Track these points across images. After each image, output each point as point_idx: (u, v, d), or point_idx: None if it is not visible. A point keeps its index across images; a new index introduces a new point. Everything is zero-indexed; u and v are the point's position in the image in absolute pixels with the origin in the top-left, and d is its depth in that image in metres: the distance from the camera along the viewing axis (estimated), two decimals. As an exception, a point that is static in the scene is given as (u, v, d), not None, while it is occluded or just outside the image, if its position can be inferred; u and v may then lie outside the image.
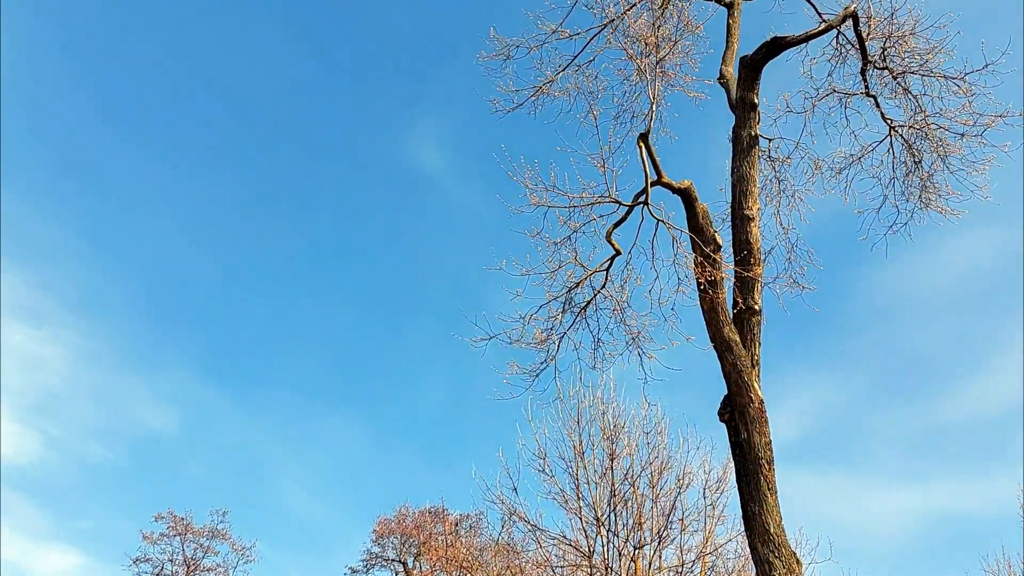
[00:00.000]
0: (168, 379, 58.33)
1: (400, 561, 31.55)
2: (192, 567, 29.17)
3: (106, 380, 56.29)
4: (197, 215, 60.70)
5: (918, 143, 12.11)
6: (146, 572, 28.95)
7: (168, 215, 59.75)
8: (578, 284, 10.84)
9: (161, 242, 59.45)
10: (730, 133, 11.09)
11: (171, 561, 29.09)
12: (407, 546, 31.57)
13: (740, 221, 10.43)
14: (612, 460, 16.47)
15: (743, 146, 10.79)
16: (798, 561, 8.84)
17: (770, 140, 12.41)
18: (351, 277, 63.17)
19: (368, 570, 31.76)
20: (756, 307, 10.06)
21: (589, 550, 16.15)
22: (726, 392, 9.73)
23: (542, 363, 11.09)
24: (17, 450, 53.89)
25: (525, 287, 10.64)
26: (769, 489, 9.09)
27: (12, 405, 53.99)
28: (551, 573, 17.34)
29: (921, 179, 12.14)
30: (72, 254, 57.88)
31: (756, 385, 9.54)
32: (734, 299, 10.07)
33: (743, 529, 9.55)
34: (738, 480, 9.40)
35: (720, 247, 10.08)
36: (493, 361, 11.53)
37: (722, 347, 9.67)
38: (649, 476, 16.47)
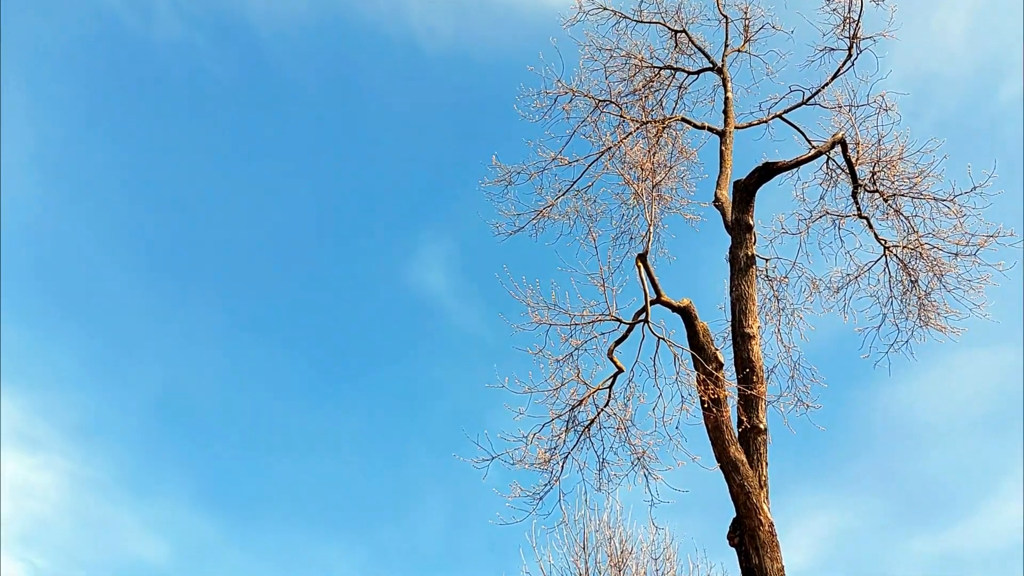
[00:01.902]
0: (160, 507, 56.57)
1: None
2: None
3: (97, 508, 54.62)
4: (196, 341, 60.83)
5: (913, 262, 12.30)
6: None
7: (167, 342, 59.95)
8: (581, 402, 10.77)
9: (160, 369, 59.27)
10: (727, 253, 11.30)
11: None
12: None
13: (741, 339, 10.47)
14: (620, 588, 15.80)
15: (740, 266, 10.97)
16: None
17: (767, 260, 12.66)
18: (349, 400, 62.45)
19: None
20: (761, 426, 9.95)
21: None
22: (735, 515, 9.49)
23: (546, 485, 10.86)
24: (3, 581, 51.75)
25: (528, 405, 10.57)
26: (784, 618, 8.71)
27: (3, 536, 52.30)
28: None
29: (919, 297, 12.26)
30: (71, 379, 57.50)
31: (765, 507, 9.31)
32: (739, 418, 9.98)
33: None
34: (751, 609, 9.01)
35: (722, 365, 10.08)
36: (495, 483, 11.29)
37: (728, 467, 9.49)
38: (659, 606, 15.74)
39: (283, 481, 57.60)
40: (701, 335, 10.30)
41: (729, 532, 9.54)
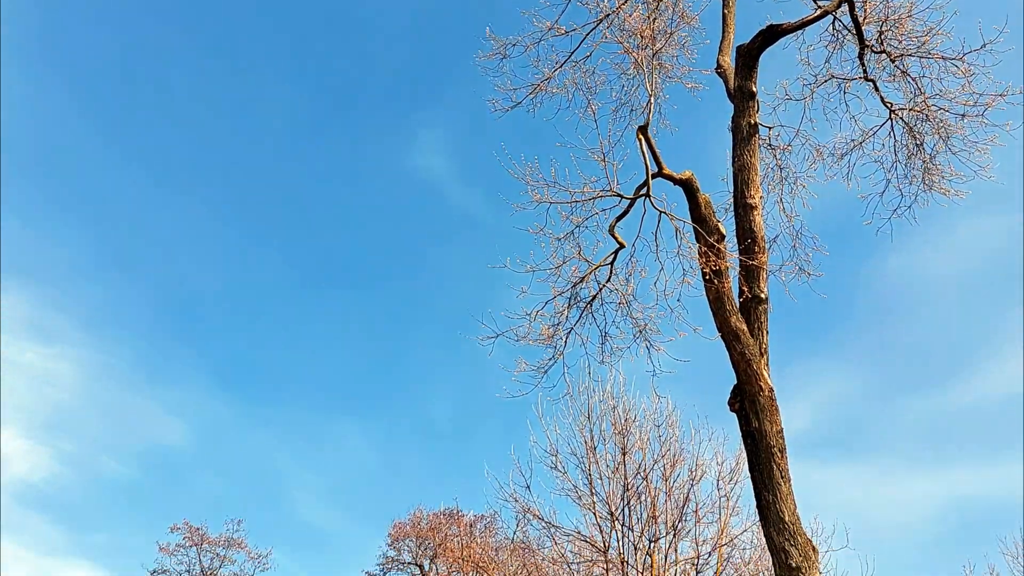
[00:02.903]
0: (178, 393, 58.49)
1: (416, 564, 31.59)
2: (209, 577, 29.31)
3: (116, 395, 56.49)
4: (202, 230, 60.83)
5: (919, 125, 12.07)
6: (164, 584, 29.10)
7: (173, 231, 59.96)
8: (583, 279, 10.84)
9: (166, 257, 59.64)
10: (729, 123, 11.08)
11: (188, 571, 29.25)
12: (423, 549, 31.60)
13: (743, 210, 10.42)
14: (624, 455, 16.46)
15: (743, 135, 10.78)
16: (814, 548, 8.82)
17: (770, 128, 12.39)
18: (358, 286, 63.25)
19: (385, 574, 31.82)
20: (762, 295, 10.04)
21: (604, 545, 16.14)
22: (736, 382, 9.72)
23: (550, 359, 11.10)
24: (30, 467, 54.13)
25: (530, 284, 10.66)
26: (783, 478, 9.08)
27: (24, 423, 54.26)
28: (567, 570, 17.34)
29: (923, 161, 12.10)
30: (79, 272, 58.12)
31: (765, 373, 9.53)
32: (740, 288, 10.06)
33: (758, 519, 9.54)
34: (751, 470, 9.39)
35: (724, 236, 10.07)
36: (501, 360, 11.54)
37: (729, 336, 9.65)
38: (662, 469, 16.46)
39: (296, 363, 58.86)
40: (703, 207, 10.24)
41: (730, 398, 9.82)
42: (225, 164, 60.44)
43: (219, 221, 61.23)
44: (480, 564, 25.27)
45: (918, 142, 12.12)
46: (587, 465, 16.61)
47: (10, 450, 52.86)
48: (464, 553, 26.60)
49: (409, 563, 31.72)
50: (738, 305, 9.93)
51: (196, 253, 60.50)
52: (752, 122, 10.81)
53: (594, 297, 11.03)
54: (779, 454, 9.17)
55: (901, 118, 12.17)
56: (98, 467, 53.66)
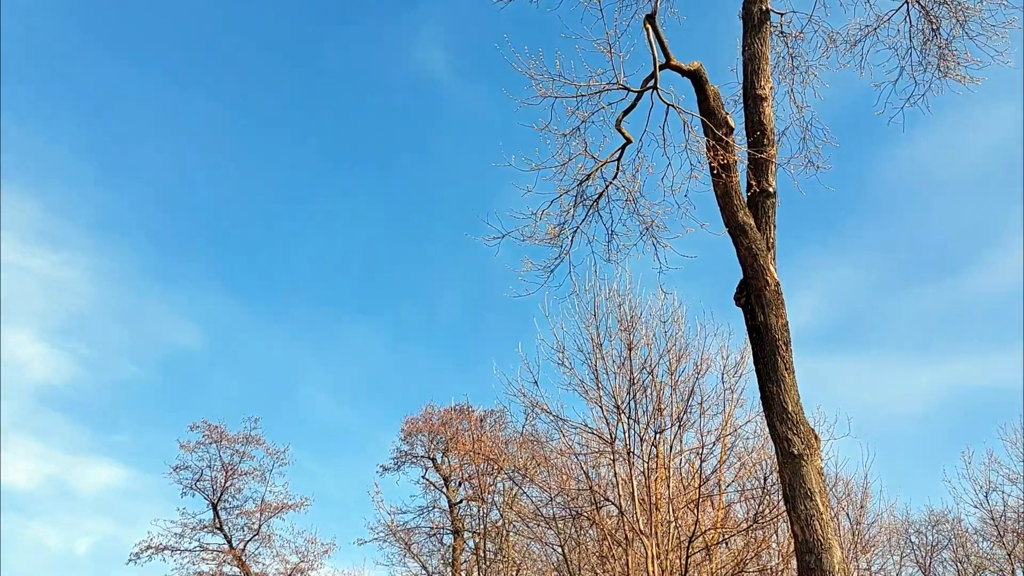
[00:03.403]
0: (189, 295, 59.12)
1: (429, 457, 32.64)
2: (230, 472, 30.34)
3: (129, 300, 57.17)
4: (205, 132, 59.97)
5: (935, 9, 11.62)
6: (186, 479, 30.18)
7: (175, 133, 59.10)
8: (589, 176, 10.71)
9: (170, 160, 59.04)
10: (740, 10, 10.69)
11: (209, 467, 30.27)
12: (435, 443, 32.58)
13: (752, 102, 10.19)
14: (630, 350, 16.70)
15: (754, 22, 10.42)
16: (816, 437, 9.05)
17: (782, 15, 11.91)
18: (362, 186, 62.80)
19: (399, 467, 32.93)
20: (770, 189, 9.95)
21: (611, 437, 16.60)
22: (742, 277, 9.75)
23: (556, 259, 11.10)
24: (50, 371, 55.40)
25: (536, 182, 10.53)
26: (787, 369, 9.23)
27: (40, 328, 55.15)
28: (574, 460, 17.92)
29: (939, 47, 11.70)
30: (82, 177, 57.72)
31: (772, 268, 9.54)
32: (748, 182, 9.96)
33: (762, 410, 9.76)
34: (756, 362, 9.54)
35: (732, 130, 9.88)
36: (507, 260, 11.55)
37: (737, 231, 9.62)
38: (667, 364, 16.73)
39: (306, 264, 59.16)
40: (711, 99, 10.01)
41: (736, 293, 9.87)
42: (227, 63, 59.00)
43: (220, 122, 60.23)
44: (490, 456, 26.14)
45: (934, 27, 11.70)
46: (593, 361, 16.90)
47: (29, 354, 53.99)
48: (475, 446, 27.48)
49: (422, 456, 32.78)
50: (746, 199, 9.85)
51: (199, 156, 59.87)
52: (764, 8, 10.43)
53: (600, 195, 10.93)
54: (784, 347, 9.29)
55: (917, 1, 11.71)
56: (116, 370, 54.93)
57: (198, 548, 30.03)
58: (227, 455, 30.55)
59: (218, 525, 30.22)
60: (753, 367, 9.67)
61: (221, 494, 30.30)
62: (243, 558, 29.94)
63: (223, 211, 60.09)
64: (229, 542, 30.27)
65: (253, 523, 30.64)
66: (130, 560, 29.00)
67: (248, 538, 30.51)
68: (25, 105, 51.34)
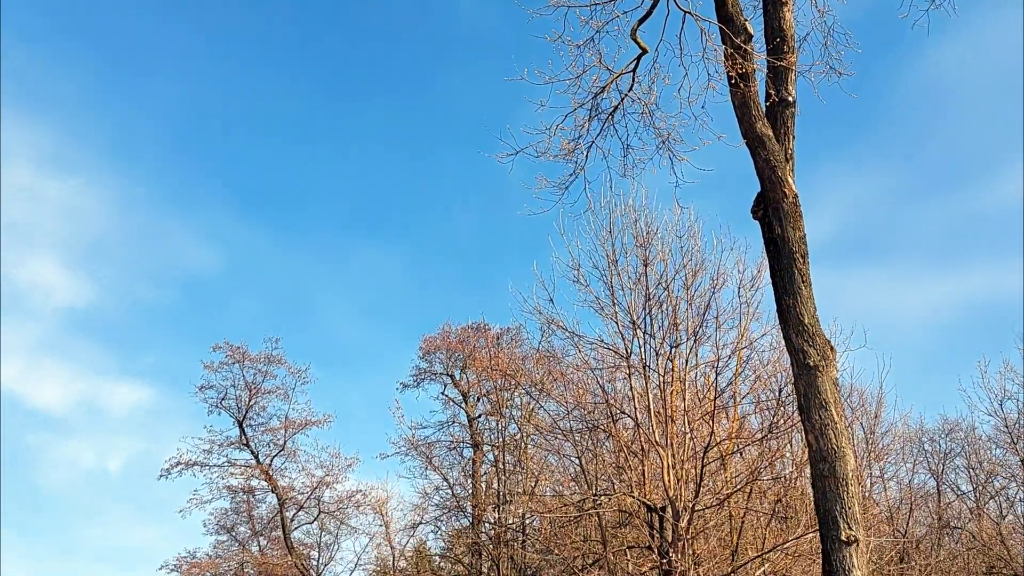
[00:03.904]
0: (207, 219, 59.46)
1: (447, 374, 33.17)
2: (254, 391, 31.02)
3: (147, 225, 57.63)
4: (213, 59, 59.04)
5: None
6: (212, 398, 30.92)
7: (191, 58, 58.29)
8: (604, 88, 10.46)
9: (185, 85, 58.38)
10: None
11: (233, 386, 30.94)
12: (453, 360, 33.04)
13: (772, 6, 9.83)
14: (646, 266, 16.66)
15: (775, -79, 9.94)
16: (832, 348, 9.07)
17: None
18: (377, 108, 62.02)
19: (418, 384, 33.52)
20: (790, 98, 9.69)
21: (627, 351, 16.75)
22: (759, 190, 9.61)
23: (571, 175, 10.98)
24: (74, 296, 56.37)
25: (549, 96, 10.31)
26: (804, 282, 9.19)
27: (61, 253, 55.83)
28: (591, 375, 18.15)
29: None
30: (94, 104, 57.30)
31: (790, 179, 9.38)
32: (767, 91, 9.69)
33: (778, 323, 9.77)
34: (772, 275, 9.49)
35: (751, 37, 9.56)
36: (521, 178, 11.43)
37: (755, 143, 9.42)
38: (683, 279, 16.71)
39: (322, 188, 59.06)
40: (730, 5, 9.66)
41: (753, 206, 9.74)
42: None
43: (235, 46, 59.26)
44: (507, 372, 26.54)
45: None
46: (609, 277, 16.90)
47: (52, 280, 54.84)
48: (492, 363, 27.87)
49: (441, 373, 33.31)
50: (764, 110, 9.61)
51: (209, 80, 59.11)
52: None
53: (616, 107, 10.70)
54: (801, 260, 9.22)
55: None
56: (139, 293, 55.84)
57: (226, 464, 31.05)
58: (250, 374, 31.18)
59: (244, 442, 31.10)
60: (769, 281, 9.64)
61: (246, 412, 31.07)
62: (270, 472, 30.93)
63: (238, 135, 59.68)
64: (256, 457, 31.22)
65: (278, 439, 31.52)
66: (161, 475, 30.11)
67: (274, 454, 31.45)
68: (28, 21, 50.51)
